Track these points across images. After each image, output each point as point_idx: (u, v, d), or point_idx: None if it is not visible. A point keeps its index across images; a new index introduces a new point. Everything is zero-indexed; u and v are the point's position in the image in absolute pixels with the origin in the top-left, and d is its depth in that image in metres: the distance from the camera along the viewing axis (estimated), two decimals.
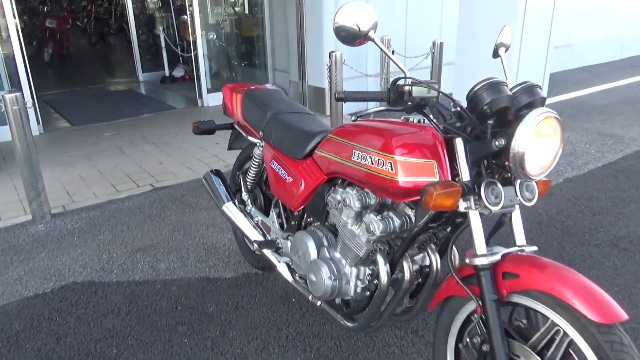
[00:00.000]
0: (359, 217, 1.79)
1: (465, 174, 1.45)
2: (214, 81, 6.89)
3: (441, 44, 5.30)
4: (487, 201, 1.41)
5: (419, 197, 1.51)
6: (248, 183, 2.52)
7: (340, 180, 1.95)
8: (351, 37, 1.52)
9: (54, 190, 3.94)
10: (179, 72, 8.35)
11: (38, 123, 5.47)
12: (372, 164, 1.66)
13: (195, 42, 6.44)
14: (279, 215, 2.32)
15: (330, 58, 4.54)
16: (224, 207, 2.46)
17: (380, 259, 1.72)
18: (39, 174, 3.32)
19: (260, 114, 2.36)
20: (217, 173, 2.64)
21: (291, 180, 2.12)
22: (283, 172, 2.18)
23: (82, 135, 5.40)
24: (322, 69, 5.65)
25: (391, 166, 1.59)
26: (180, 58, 8.32)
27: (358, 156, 1.73)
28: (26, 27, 11.15)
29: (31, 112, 5.31)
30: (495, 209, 1.42)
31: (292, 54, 6.31)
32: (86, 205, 3.66)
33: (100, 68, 10.46)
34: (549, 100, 6.12)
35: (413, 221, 1.70)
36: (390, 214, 1.70)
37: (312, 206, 2.04)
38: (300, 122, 2.26)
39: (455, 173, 1.54)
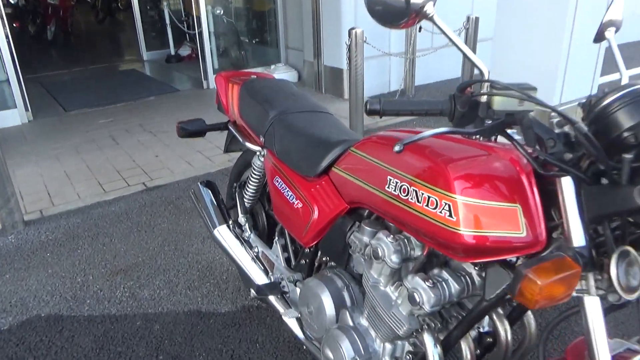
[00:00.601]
0: (396, 275, 1.25)
1: (577, 236, 0.89)
2: (222, 60, 6.32)
3: (476, 19, 4.64)
4: (620, 284, 0.85)
5: (491, 258, 0.98)
6: (246, 201, 1.98)
7: (367, 212, 1.41)
8: (393, 13, 0.96)
9: (34, 189, 3.45)
10: (185, 51, 7.77)
11: (26, 110, 4.97)
12: (418, 201, 1.12)
13: (199, 18, 5.85)
14: (284, 248, 1.78)
15: (349, 36, 3.93)
16: (215, 232, 1.93)
17: (428, 340, 1.17)
18: (7, 178, 2.82)
19: (262, 114, 1.81)
20: (209, 185, 2.11)
21: (300, 205, 1.57)
22: (289, 193, 1.63)
23: (75, 123, 4.89)
24: (340, 47, 5.04)
25: (449, 210, 1.04)
26: (187, 35, 7.73)
27: (395, 186, 1.18)
28: (28, 4, 10.65)
29: (18, 99, 4.82)
30: (633, 296, 0.86)
31: (306, 31, 5.69)
32: (67, 209, 3.17)
33: (105, 47, 9.92)
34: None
35: (480, 286, 1.16)
36: (445, 274, 1.16)
37: (329, 244, 1.50)
38: (313, 125, 1.70)
39: (552, 225, 0.99)
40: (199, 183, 2.10)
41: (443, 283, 1.14)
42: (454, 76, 5.99)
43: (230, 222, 1.99)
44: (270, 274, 1.79)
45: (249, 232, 1.92)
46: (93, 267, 2.56)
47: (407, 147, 1.22)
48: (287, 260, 1.76)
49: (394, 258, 1.19)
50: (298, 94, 1.96)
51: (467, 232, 1.02)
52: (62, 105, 5.51)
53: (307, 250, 1.63)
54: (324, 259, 1.62)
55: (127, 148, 4.16)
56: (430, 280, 1.14)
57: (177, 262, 2.57)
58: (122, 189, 3.43)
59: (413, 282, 1.14)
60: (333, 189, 1.50)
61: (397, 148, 0.98)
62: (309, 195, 1.55)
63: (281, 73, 5.83)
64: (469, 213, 1.03)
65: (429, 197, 1.10)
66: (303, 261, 1.65)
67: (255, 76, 2.13)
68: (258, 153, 1.84)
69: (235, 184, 2.18)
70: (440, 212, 1.07)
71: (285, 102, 1.85)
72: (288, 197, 1.64)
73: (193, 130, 2.04)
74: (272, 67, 6.00)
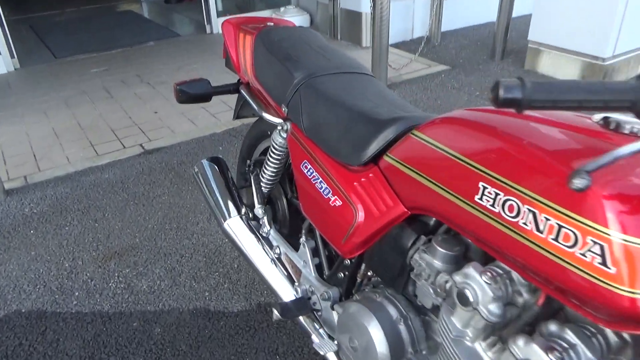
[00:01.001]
0: (491, 328, 0.87)
1: None
2: (226, 2, 5.73)
3: None
4: None
5: None
6: (263, 185, 1.58)
7: (434, 221, 1.03)
8: None
9: (19, 151, 3.06)
10: None
11: (12, 57, 4.49)
12: (538, 229, 0.74)
13: None
14: (315, 252, 1.40)
15: None
16: (226, 226, 1.55)
17: None
18: None
19: (284, 76, 1.39)
20: (215, 162, 1.71)
21: (339, 204, 1.18)
22: (323, 185, 1.24)
23: (65, 72, 4.43)
24: None
25: (601, 253, 0.67)
26: None
27: (494, 199, 0.81)
28: None
29: (2, 44, 4.34)
30: None
31: None
32: (54, 175, 2.79)
33: None
34: None
35: (617, 349, 0.79)
36: (571, 335, 0.78)
37: (379, 260, 1.13)
38: (353, 93, 1.28)
39: None
40: (203, 161, 1.69)
41: (570, 351, 0.76)
42: (485, 20, 5.43)
43: (243, 210, 1.60)
44: (296, 284, 1.42)
45: (268, 228, 1.54)
46: (83, 249, 2.20)
47: (516, 130, 0.82)
48: (319, 268, 1.39)
49: (493, 309, 0.82)
50: (329, 48, 1.52)
51: (633, 294, 0.64)
52: (52, 50, 5.02)
53: (347, 262, 1.25)
54: (369, 274, 1.25)
55: (123, 102, 3.72)
56: (550, 345, 0.76)
57: (180, 244, 2.21)
58: (117, 151, 3.03)
59: (527, 349, 0.77)
60: (386, 185, 1.11)
61: (579, 183, 0.57)
62: (351, 190, 1.16)
63: (291, 17, 5.27)
64: (637, 263, 0.64)
65: (559, 227, 0.71)
66: (341, 274, 1.28)
67: (272, 23, 1.68)
68: (279, 127, 1.43)
69: (248, 161, 1.78)
70: (583, 254, 0.68)
71: (314, 60, 1.42)
72: (321, 191, 1.25)
73: (195, 94, 1.61)
74: (282, 9, 5.43)
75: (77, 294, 1.96)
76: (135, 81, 4.13)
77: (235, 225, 1.53)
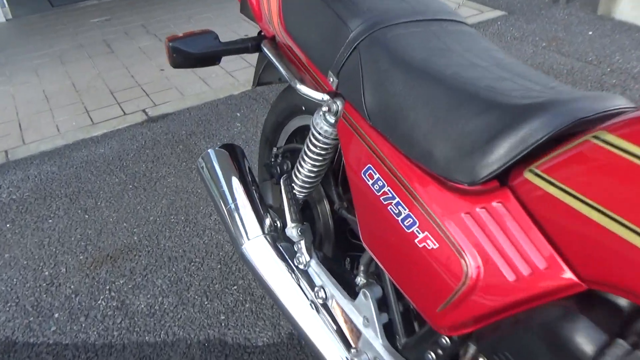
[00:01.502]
0: None
1: None
2: None
3: None
4: None
5: None
6: (297, 189, 1.07)
7: (630, 308, 0.51)
8: None
9: (2, 119, 2.59)
10: None
11: (3, 6, 3.97)
12: None
13: None
14: (382, 303, 0.90)
15: None
16: (244, 249, 1.06)
17: None
18: None
19: (333, 26, 0.86)
20: (230, 151, 1.20)
21: (434, 247, 0.69)
22: (404, 211, 0.73)
23: (62, 22, 3.90)
24: None
25: None
26: None
27: None
28: None
29: None
30: None
31: None
32: (40, 150, 2.32)
33: None
34: None
35: None
36: None
37: (514, 353, 0.63)
38: (453, 54, 0.76)
39: None
40: (210, 150, 1.18)
41: None
42: None
43: (268, 222, 1.10)
44: (353, 350, 0.93)
45: (308, 258, 1.03)
46: (68, 249, 1.76)
47: None
48: (388, 330, 0.89)
49: None
50: None
51: None
52: None
53: (445, 339, 0.76)
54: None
55: (125, 58, 3.20)
56: None
57: (189, 244, 1.75)
58: (116, 119, 2.54)
59: None
60: (529, 223, 0.60)
61: None
62: (457, 226, 0.66)
63: None
64: None
65: None
66: (430, 354, 0.79)
67: None
68: (324, 109, 0.91)
69: (275, 149, 1.27)
70: None
71: (380, 2, 0.88)
72: (400, 219, 0.74)
73: (197, 54, 1.09)
74: None
75: (56, 315, 1.53)
76: (140, 33, 3.58)
77: (258, 250, 1.04)
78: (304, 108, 1.20)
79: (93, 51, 3.32)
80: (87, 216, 1.90)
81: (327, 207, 1.14)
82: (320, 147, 0.98)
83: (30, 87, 2.89)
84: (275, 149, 1.26)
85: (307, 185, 1.06)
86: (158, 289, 1.58)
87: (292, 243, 1.06)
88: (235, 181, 1.13)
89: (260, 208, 1.11)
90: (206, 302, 1.53)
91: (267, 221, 1.11)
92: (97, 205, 1.96)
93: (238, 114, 2.49)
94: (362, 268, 0.93)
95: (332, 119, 0.92)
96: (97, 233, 1.82)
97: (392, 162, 0.77)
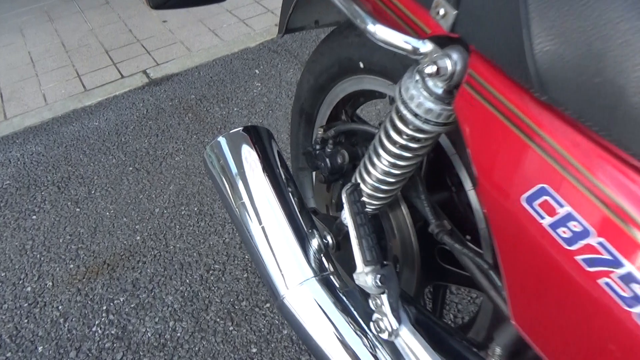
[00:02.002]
0: None
1: None
2: None
3: None
4: None
5: None
6: (370, 204, 0.66)
7: None
8: None
9: None
10: None
11: None
12: None
13: None
14: None
15: None
16: (285, 302, 0.66)
17: None
18: None
19: None
20: (254, 137, 0.78)
21: None
22: (630, 279, 0.31)
23: None
24: None
25: None
26: None
27: None
28: None
29: None
30: None
31: None
32: (24, 125, 1.95)
33: None
34: None
35: None
36: None
37: None
38: None
39: None
40: (220, 138, 0.77)
41: None
42: None
43: (316, 244, 0.70)
44: None
45: (394, 323, 0.62)
46: (55, 256, 1.40)
47: None
48: None
49: None
50: None
51: None
52: None
53: None
54: None
55: (122, 10, 2.75)
56: None
57: (205, 244, 1.37)
58: (112, 83, 2.13)
59: None
60: None
61: None
62: None
63: None
64: None
65: None
66: None
67: None
68: (428, 68, 0.48)
69: (321, 130, 0.85)
70: None
71: None
72: (618, 294, 0.33)
73: None
74: None
75: (40, 349, 1.18)
76: None
77: (307, 305, 0.64)
78: (361, 65, 0.78)
79: (85, 4, 2.87)
80: (78, 209, 1.53)
81: (409, 221, 0.73)
82: (410, 137, 0.56)
83: (13, 50, 2.49)
84: (320, 130, 0.84)
85: (381, 195, 0.65)
86: (168, 309, 1.22)
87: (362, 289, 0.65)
88: (264, 185, 0.73)
89: (304, 227, 0.71)
90: (231, 328, 1.16)
91: (315, 244, 0.70)
92: (91, 194, 1.58)
93: (257, 71, 2.06)
94: (496, 349, 0.53)
95: (439, 88, 0.50)
96: (90, 232, 1.45)
97: (602, 181, 0.36)
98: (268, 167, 0.74)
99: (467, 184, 0.62)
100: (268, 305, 1.20)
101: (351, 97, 0.90)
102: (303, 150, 0.90)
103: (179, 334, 1.16)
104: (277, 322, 1.16)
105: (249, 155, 0.74)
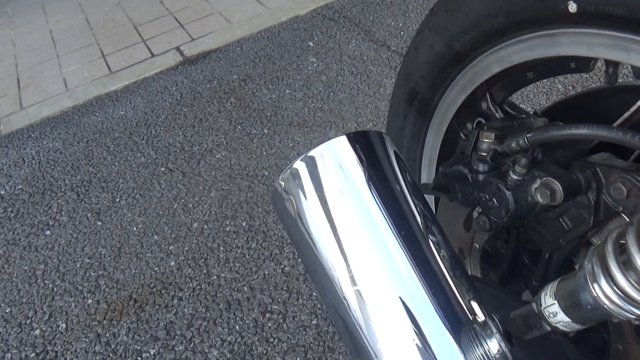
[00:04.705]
0: None
1: None
2: None
3: None
4: None
5: None
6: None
7: None
8: None
9: None
10: None
11: None
12: None
13: None
14: None
15: None
16: None
17: None
18: None
19: None
20: (365, 149, 0.42)
21: None
22: None
23: None
24: None
25: None
26: None
27: None
28: None
29: None
30: None
31: None
32: (42, 115, 1.66)
33: None
34: None
35: None
36: None
37: None
38: None
39: None
40: (299, 162, 0.41)
41: None
42: None
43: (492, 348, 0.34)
44: None
45: None
46: (71, 285, 1.10)
47: None
48: None
49: None
50: None
51: None
52: None
53: None
54: None
55: None
56: None
57: (259, 273, 1.04)
58: (141, 64, 1.81)
59: None
60: None
61: None
62: None
63: None
64: None
65: None
66: None
67: None
68: None
69: (490, 135, 0.48)
70: None
71: None
72: None
73: None
74: None
75: None
76: None
77: None
78: (573, 6, 0.41)
79: None
80: (100, 223, 1.23)
81: None
82: None
83: (34, 29, 2.21)
84: (489, 133, 0.47)
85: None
86: None
87: None
88: (395, 248, 0.38)
89: (470, 323, 0.36)
90: None
91: (490, 325, 0.35)
92: (115, 203, 1.28)
93: (310, 44, 1.70)
94: None
95: None
96: (114, 254, 1.15)
97: None
98: (398, 210, 0.39)
99: None
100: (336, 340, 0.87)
101: (507, 74, 0.53)
102: (444, 169, 0.54)
103: None
104: None
105: (364, 192, 0.39)
